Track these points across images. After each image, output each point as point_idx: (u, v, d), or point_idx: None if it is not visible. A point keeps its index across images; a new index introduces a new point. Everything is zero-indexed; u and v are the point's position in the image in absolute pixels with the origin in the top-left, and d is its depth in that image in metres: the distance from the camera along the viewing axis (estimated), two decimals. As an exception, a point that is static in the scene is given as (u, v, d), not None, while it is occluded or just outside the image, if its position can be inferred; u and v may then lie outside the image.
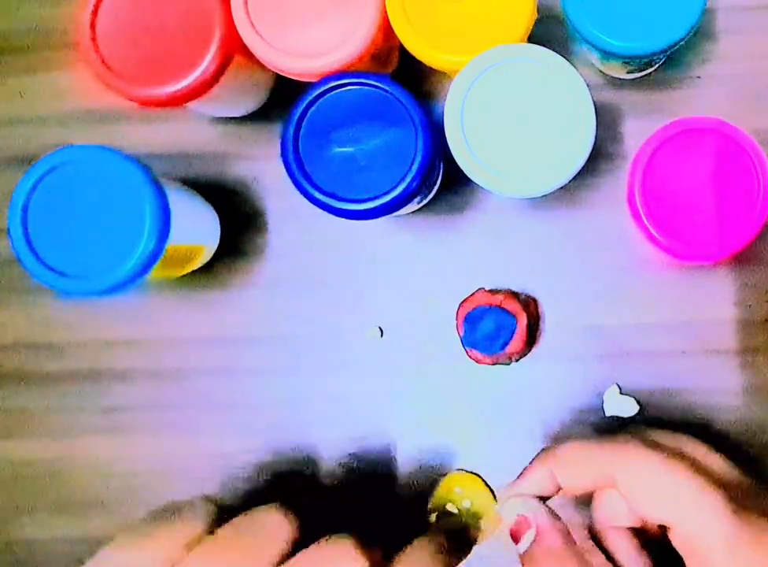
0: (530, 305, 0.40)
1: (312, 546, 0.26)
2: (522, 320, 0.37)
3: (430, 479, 0.41)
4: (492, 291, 0.39)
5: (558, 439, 0.41)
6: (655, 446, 0.32)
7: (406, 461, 0.42)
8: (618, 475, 0.31)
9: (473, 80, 0.34)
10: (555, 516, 0.31)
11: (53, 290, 0.34)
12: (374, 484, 0.42)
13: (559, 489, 0.33)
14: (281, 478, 0.42)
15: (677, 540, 0.30)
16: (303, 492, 0.42)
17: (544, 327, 0.41)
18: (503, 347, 0.38)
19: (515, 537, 0.31)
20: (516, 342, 0.37)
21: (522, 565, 0.31)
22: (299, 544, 0.27)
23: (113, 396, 0.43)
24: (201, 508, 0.28)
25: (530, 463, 0.33)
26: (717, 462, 0.32)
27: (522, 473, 0.33)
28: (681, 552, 0.30)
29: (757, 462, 0.41)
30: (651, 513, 0.31)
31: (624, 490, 0.31)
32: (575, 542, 0.31)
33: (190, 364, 0.42)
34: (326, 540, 0.26)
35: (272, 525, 0.27)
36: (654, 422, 0.41)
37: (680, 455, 0.31)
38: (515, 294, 0.39)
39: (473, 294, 0.39)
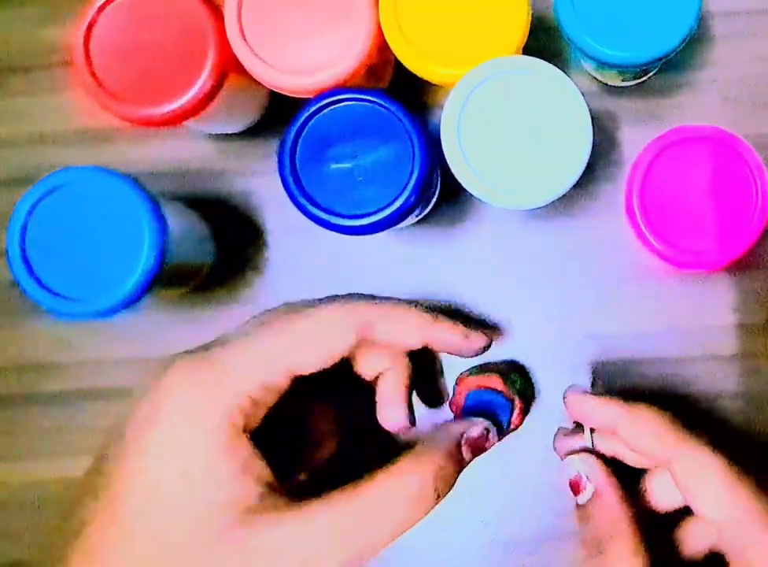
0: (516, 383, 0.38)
1: None
2: (518, 403, 0.36)
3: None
4: (479, 373, 0.37)
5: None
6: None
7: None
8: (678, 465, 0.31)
9: (469, 93, 0.34)
10: (613, 477, 0.33)
11: (52, 312, 0.34)
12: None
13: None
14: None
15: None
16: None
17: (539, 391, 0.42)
18: (507, 427, 0.36)
19: (575, 489, 0.33)
20: (516, 419, 0.36)
21: (577, 515, 0.33)
22: None
23: (115, 415, 0.42)
24: None
25: (600, 402, 0.33)
26: None
27: (590, 406, 0.34)
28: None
29: (758, 466, 0.40)
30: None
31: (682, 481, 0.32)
32: (631, 504, 0.32)
33: (191, 381, 0.42)
34: None
35: None
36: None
37: None
38: (502, 375, 0.37)
39: (461, 378, 0.37)
